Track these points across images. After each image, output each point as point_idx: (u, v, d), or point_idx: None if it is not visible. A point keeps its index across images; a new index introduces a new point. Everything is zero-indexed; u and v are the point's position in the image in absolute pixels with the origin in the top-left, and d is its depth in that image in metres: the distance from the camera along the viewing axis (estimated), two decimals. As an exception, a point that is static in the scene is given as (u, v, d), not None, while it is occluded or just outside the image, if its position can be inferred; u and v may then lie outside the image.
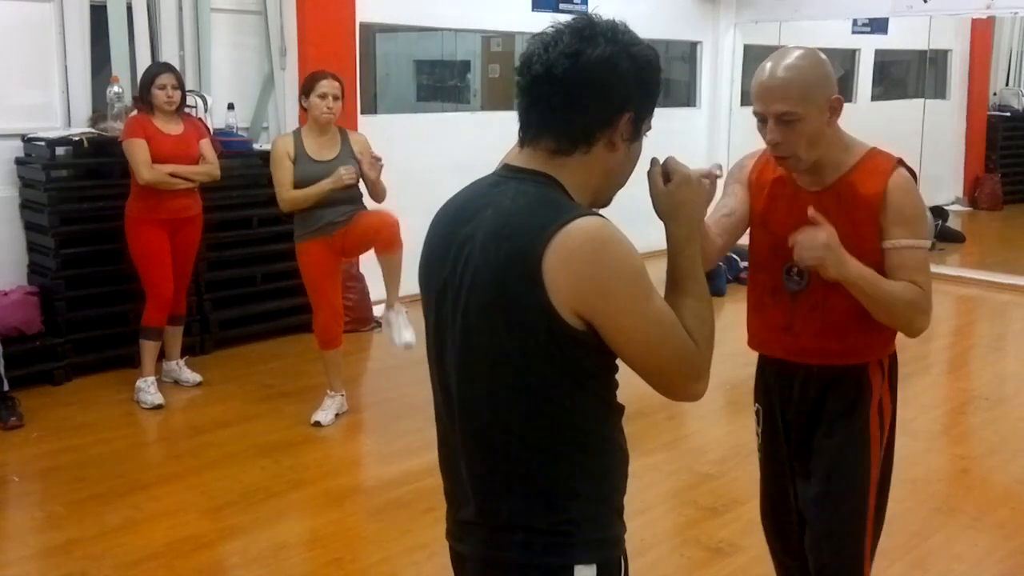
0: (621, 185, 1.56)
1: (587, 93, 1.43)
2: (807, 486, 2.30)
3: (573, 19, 1.47)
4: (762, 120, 2.09)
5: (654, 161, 1.59)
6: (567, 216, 1.39)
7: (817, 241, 2.01)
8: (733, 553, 3.24)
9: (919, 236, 2.10)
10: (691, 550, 3.37)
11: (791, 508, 2.37)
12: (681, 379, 1.50)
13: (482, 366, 1.47)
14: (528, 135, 1.49)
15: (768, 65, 2.08)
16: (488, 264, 1.42)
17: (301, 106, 4.40)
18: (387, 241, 4.32)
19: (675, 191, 1.57)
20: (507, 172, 1.52)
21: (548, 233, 1.37)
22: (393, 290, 4.42)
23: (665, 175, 1.58)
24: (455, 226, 1.50)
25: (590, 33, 1.43)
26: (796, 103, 2.03)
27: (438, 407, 1.58)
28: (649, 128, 1.53)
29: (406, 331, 4.38)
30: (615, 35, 1.45)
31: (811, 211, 2.05)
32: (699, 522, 3.57)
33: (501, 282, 1.41)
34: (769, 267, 2.27)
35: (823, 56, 2.11)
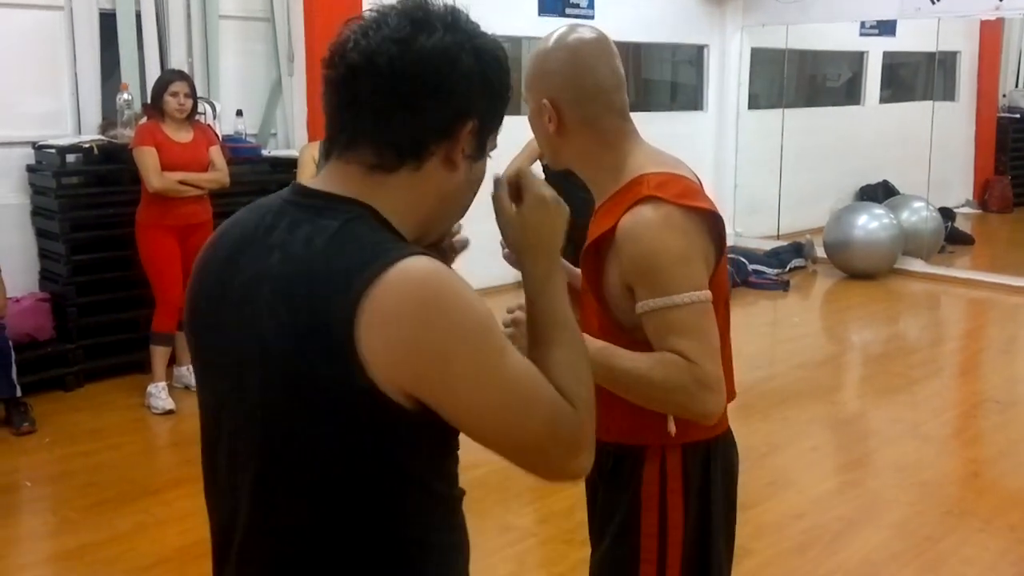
0: (458, 216, 1.24)
1: (421, 91, 1.10)
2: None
3: (400, 1, 1.15)
4: None
5: (498, 181, 1.25)
6: (383, 260, 1.04)
7: (513, 317, 1.60)
8: (743, 557, 3.23)
9: (668, 291, 1.53)
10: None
11: None
12: (557, 454, 1.13)
13: (278, 468, 1.12)
14: (338, 144, 1.15)
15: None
16: (280, 335, 1.07)
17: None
18: None
19: (528, 215, 1.22)
20: (298, 197, 1.16)
21: (357, 289, 1.03)
22: None
23: (515, 196, 1.24)
24: (231, 271, 1.14)
25: (424, 16, 1.12)
26: (525, 88, 1.71)
27: (219, 514, 1.22)
28: (495, 146, 1.21)
29: None
30: (455, 22, 1.13)
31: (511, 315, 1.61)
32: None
33: (299, 358, 1.06)
34: None
35: (562, 49, 1.71)
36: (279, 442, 1.11)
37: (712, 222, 1.62)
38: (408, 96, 1.11)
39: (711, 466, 1.69)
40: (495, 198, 1.24)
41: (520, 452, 1.13)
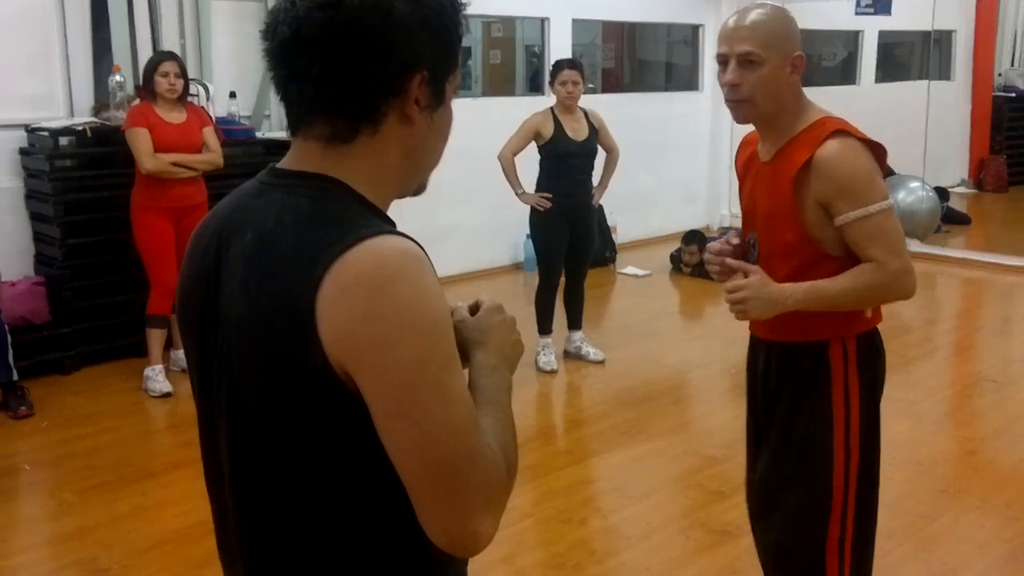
0: (432, 165, 1.20)
1: (356, 53, 1.06)
2: (762, 462, 2.27)
3: None
4: (723, 63, 2.10)
5: (455, 309, 1.24)
6: (351, 238, 1.02)
7: (737, 296, 2.05)
8: (739, 536, 3.25)
9: (866, 202, 2.00)
10: (697, 533, 3.39)
11: (755, 483, 2.37)
12: (467, 499, 1.03)
13: (251, 449, 1.11)
14: (295, 122, 1.12)
15: (739, 13, 2.11)
16: (252, 311, 1.06)
17: None
18: None
19: (484, 317, 1.22)
20: (271, 178, 1.15)
21: (321, 265, 1.01)
22: None
23: (472, 308, 1.26)
24: (215, 252, 1.14)
25: None
26: (760, 46, 2.03)
27: (213, 497, 1.23)
28: (457, 87, 1.18)
29: None
30: None
31: (730, 260, 2.08)
32: (705, 505, 3.59)
33: (267, 334, 1.04)
34: (743, 239, 2.29)
35: (791, 15, 2.13)
36: (254, 420, 1.10)
37: (879, 152, 2.07)
38: (345, 62, 1.06)
39: (873, 350, 2.18)
40: (452, 311, 1.21)
41: (428, 480, 1.03)
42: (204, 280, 1.15)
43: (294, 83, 1.09)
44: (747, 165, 2.29)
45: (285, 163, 1.15)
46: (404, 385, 1.01)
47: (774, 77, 2.05)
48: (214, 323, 1.13)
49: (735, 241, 2.24)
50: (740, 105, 2.10)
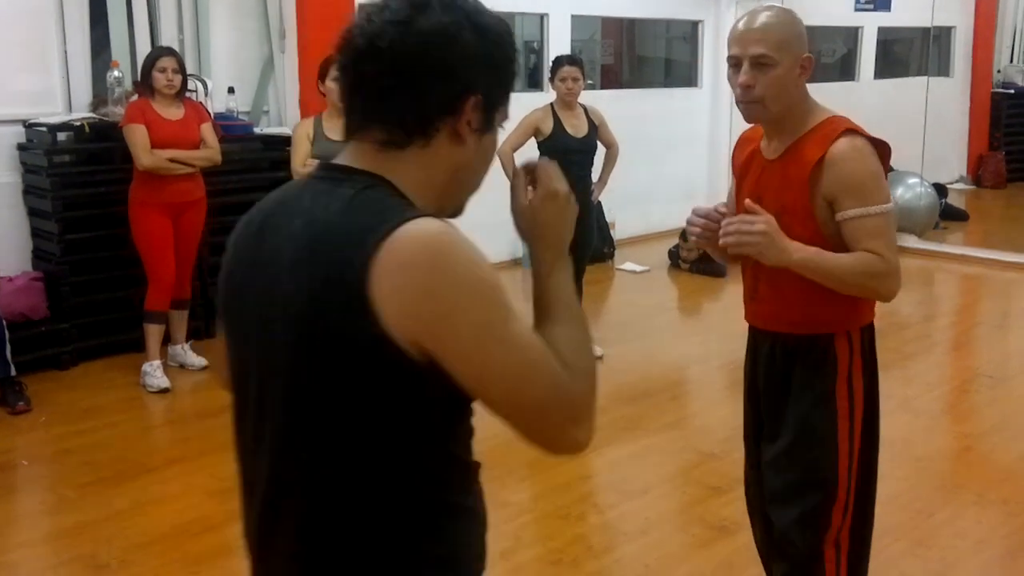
0: (474, 188, 1.29)
1: (421, 70, 1.16)
2: (768, 453, 2.29)
3: None
4: (736, 65, 2.13)
5: (516, 172, 1.32)
6: (395, 220, 1.11)
7: (752, 227, 2.02)
8: (736, 531, 3.26)
9: (870, 202, 2.06)
10: (695, 528, 3.40)
11: (759, 480, 2.37)
12: (557, 422, 1.18)
13: (300, 421, 1.19)
14: (352, 125, 1.22)
15: (749, 15, 2.15)
16: (300, 291, 1.14)
17: (319, 91, 4.40)
18: None
19: (540, 208, 1.29)
20: (322, 172, 1.24)
21: (371, 246, 1.09)
22: None
23: (529, 172, 1.32)
24: (259, 240, 1.23)
25: None
26: (773, 48, 2.07)
27: (245, 470, 1.31)
28: (506, 117, 1.28)
29: None
30: (454, 2, 1.18)
31: (747, 201, 2.08)
32: (703, 501, 3.59)
33: (318, 313, 1.12)
34: None
35: (799, 18, 2.17)
36: (301, 394, 1.17)
37: (884, 150, 2.13)
38: (410, 76, 1.16)
39: (873, 342, 2.25)
40: (513, 186, 1.31)
41: (521, 416, 1.17)
42: (249, 267, 1.24)
43: (360, 90, 1.19)
44: (748, 162, 2.30)
45: (338, 160, 1.24)
46: (477, 347, 1.12)
47: (785, 78, 2.09)
48: (253, 299, 1.22)
49: (723, 210, 2.26)
50: (752, 106, 2.13)
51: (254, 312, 1.22)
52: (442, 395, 1.16)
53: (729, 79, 2.17)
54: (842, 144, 2.08)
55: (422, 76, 1.16)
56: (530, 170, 1.32)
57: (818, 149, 2.10)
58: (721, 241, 2.09)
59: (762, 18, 2.12)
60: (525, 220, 1.30)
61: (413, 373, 1.12)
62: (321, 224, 1.15)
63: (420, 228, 1.11)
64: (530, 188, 1.32)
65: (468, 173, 1.25)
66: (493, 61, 1.21)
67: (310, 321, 1.14)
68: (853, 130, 2.12)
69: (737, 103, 2.17)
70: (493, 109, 1.23)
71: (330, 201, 1.17)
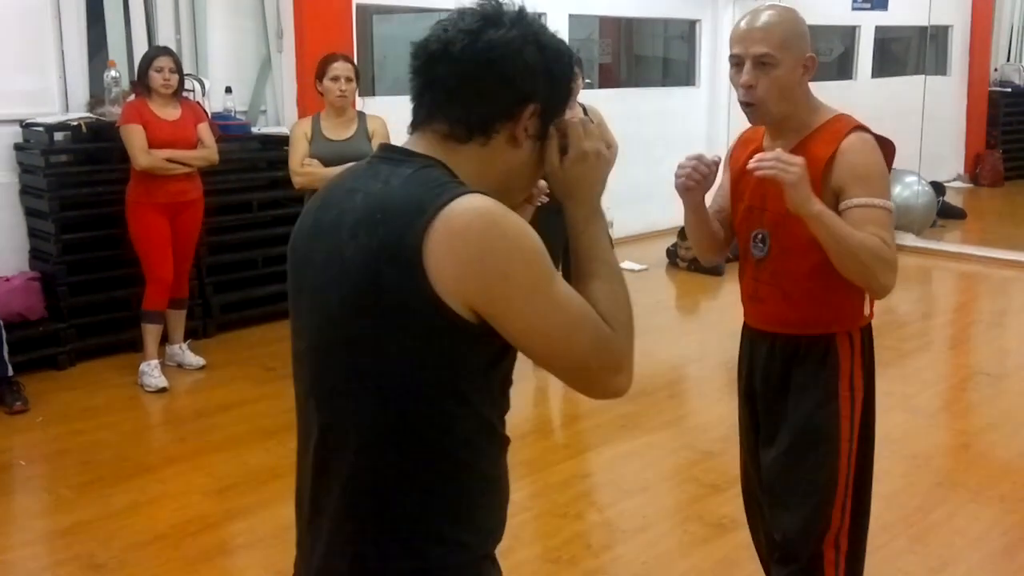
0: (525, 189, 1.43)
1: (487, 76, 1.29)
2: (769, 455, 2.28)
3: (479, 1, 1.35)
4: (738, 64, 2.11)
5: (550, 131, 1.39)
6: (450, 194, 1.22)
7: (793, 160, 1.98)
8: (734, 529, 3.26)
9: (876, 195, 2.06)
10: (693, 526, 3.40)
11: (757, 479, 2.37)
12: (599, 372, 1.31)
13: (347, 377, 1.28)
14: (419, 118, 1.34)
15: (751, 14, 2.13)
16: (359, 253, 1.24)
17: (317, 90, 4.39)
18: None
19: (570, 168, 1.38)
20: (383, 153, 1.36)
21: (428, 214, 1.20)
22: None
23: (563, 147, 1.39)
24: (321, 214, 1.34)
25: (495, 14, 1.31)
26: (776, 47, 2.06)
27: (300, 426, 1.40)
28: (558, 137, 1.39)
29: None
30: (522, 19, 1.32)
31: (778, 150, 2.05)
32: (701, 499, 3.59)
33: (375, 273, 1.22)
34: (742, 235, 2.30)
35: (801, 17, 2.16)
36: (354, 352, 1.27)
37: (890, 149, 2.17)
38: (475, 80, 1.29)
39: (872, 342, 2.26)
40: (545, 146, 1.38)
41: (566, 368, 1.30)
42: (310, 239, 1.34)
43: (431, 90, 1.32)
44: (747, 159, 2.26)
45: (404, 146, 1.35)
46: (527, 306, 1.23)
47: (788, 78, 2.09)
48: (315, 266, 1.32)
49: (718, 159, 2.26)
50: (755, 109, 2.13)
51: (314, 279, 1.32)
52: (486, 359, 1.27)
53: (731, 79, 2.16)
54: (853, 139, 2.09)
55: (486, 82, 1.29)
56: (562, 129, 1.38)
57: (828, 147, 2.10)
58: (755, 167, 2.02)
59: (764, 17, 2.10)
60: (556, 181, 1.39)
61: (462, 335, 1.22)
62: (381, 195, 1.26)
63: (473, 200, 1.22)
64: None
65: (519, 174, 1.37)
66: (552, 75, 1.33)
67: (368, 283, 1.23)
68: (861, 128, 2.13)
69: (740, 104, 2.15)
70: (549, 118, 1.35)
71: (390, 176, 1.28)
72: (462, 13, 1.32)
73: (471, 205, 1.22)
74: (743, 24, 2.12)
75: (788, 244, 2.18)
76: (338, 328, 1.28)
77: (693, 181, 2.21)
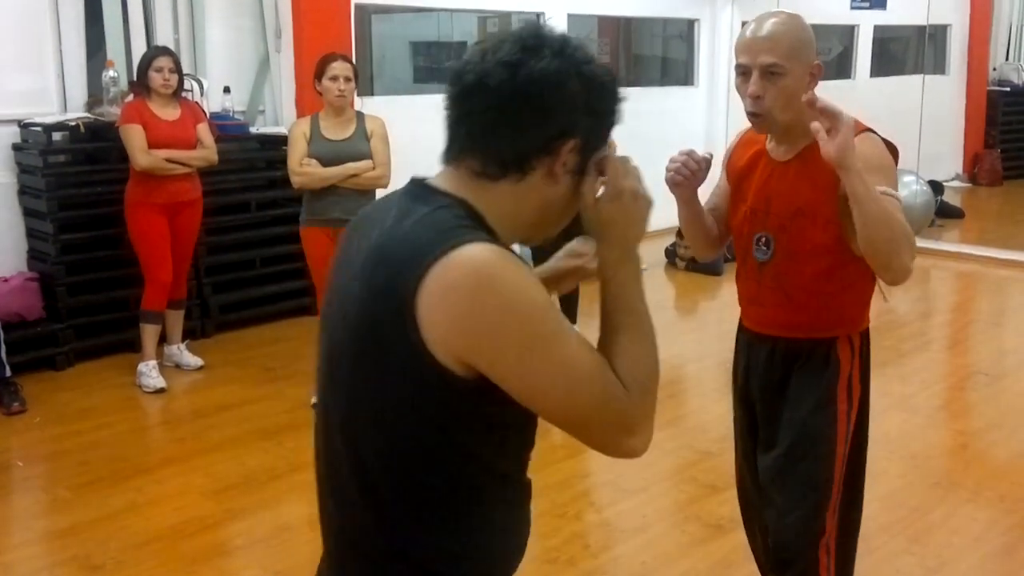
0: (560, 224, 1.34)
1: (525, 110, 1.21)
2: (767, 459, 2.27)
3: (522, 27, 1.28)
4: (744, 74, 2.09)
5: (589, 165, 1.31)
6: (450, 243, 1.16)
7: (841, 131, 1.91)
8: (733, 529, 3.25)
9: (883, 183, 2.03)
10: (691, 526, 3.40)
11: (755, 483, 2.36)
12: (609, 433, 1.25)
13: (350, 410, 1.28)
14: (451, 152, 1.28)
15: (756, 22, 2.10)
16: (364, 294, 1.22)
17: (315, 90, 4.39)
18: None
19: (604, 207, 1.30)
20: (416, 189, 1.30)
21: (425, 263, 1.16)
22: None
23: (600, 171, 1.33)
24: (349, 243, 1.34)
25: (535, 43, 1.23)
26: (783, 57, 2.03)
27: (316, 447, 1.40)
28: (598, 174, 1.32)
29: None
30: (564, 49, 1.24)
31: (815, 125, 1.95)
32: (699, 499, 3.59)
33: (373, 316, 1.21)
34: (743, 237, 2.28)
35: (807, 23, 2.13)
36: (359, 385, 1.25)
37: (895, 153, 2.15)
38: (513, 115, 1.22)
39: (869, 346, 2.26)
40: (583, 185, 1.31)
41: (571, 426, 1.24)
42: (339, 265, 1.34)
43: (464, 122, 1.26)
44: (752, 164, 2.26)
45: (429, 180, 1.30)
46: (521, 364, 1.17)
47: (795, 88, 2.05)
48: (337, 297, 1.31)
49: (708, 156, 2.24)
50: (761, 120, 2.11)
51: (336, 309, 1.31)
52: (490, 413, 1.22)
53: (737, 88, 2.13)
54: (863, 139, 2.07)
55: (524, 116, 1.22)
56: (601, 165, 1.31)
57: None
58: (818, 103, 1.95)
59: (770, 26, 2.07)
60: (589, 219, 1.32)
61: (454, 388, 1.18)
62: (390, 237, 1.23)
63: (470, 253, 1.16)
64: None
65: (556, 211, 1.30)
66: (594, 109, 1.26)
67: (365, 324, 1.22)
68: (869, 130, 2.12)
69: (747, 114, 2.13)
70: (589, 153, 1.28)
71: (404, 216, 1.24)
72: (502, 40, 1.24)
73: (466, 259, 1.15)
74: (748, 33, 2.09)
75: (793, 248, 2.16)
76: (344, 360, 1.27)
77: (681, 176, 2.20)
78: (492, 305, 1.15)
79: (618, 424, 1.24)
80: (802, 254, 2.15)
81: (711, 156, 2.25)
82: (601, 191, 1.31)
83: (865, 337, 2.26)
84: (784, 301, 2.19)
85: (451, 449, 1.23)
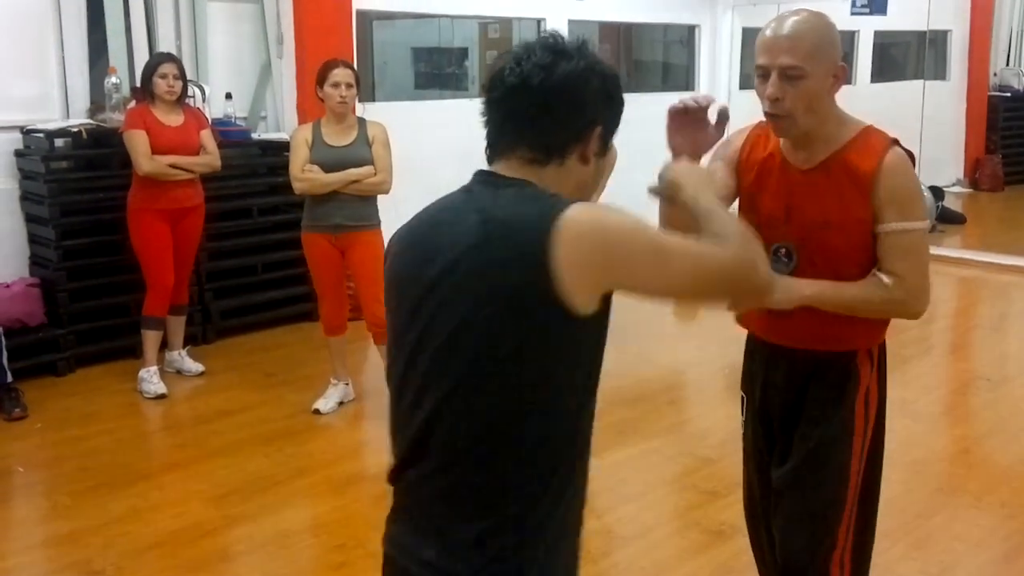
0: (591, 198, 1.56)
1: (561, 104, 1.45)
2: (781, 471, 2.23)
3: (541, 36, 1.50)
4: (763, 75, 1.99)
5: (651, 192, 1.70)
6: (564, 204, 1.38)
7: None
8: (733, 535, 3.25)
9: (912, 218, 2.02)
10: (692, 533, 3.39)
11: (766, 497, 2.32)
12: (742, 277, 1.44)
13: (471, 376, 1.41)
14: (500, 146, 1.49)
15: (778, 20, 2.01)
16: (486, 265, 1.39)
17: (317, 96, 4.39)
18: (380, 336, 4.41)
19: (675, 168, 1.66)
20: (481, 178, 1.50)
21: (549, 220, 1.35)
22: None
23: (668, 194, 1.64)
24: (433, 238, 1.47)
25: (561, 48, 1.46)
26: (804, 58, 1.95)
27: (400, 418, 1.54)
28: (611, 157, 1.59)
29: None
30: (583, 51, 1.47)
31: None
32: (700, 505, 3.59)
33: (503, 280, 1.37)
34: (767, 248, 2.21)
35: (833, 22, 2.04)
36: (481, 350, 1.39)
37: (912, 161, 2.09)
38: (554, 108, 1.45)
39: (886, 359, 2.27)
40: (661, 207, 1.77)
41: (718, 290, 1.47)
42: (423, 260, 1.45)
43: (512, 119, 1.47)
44: (767, 167, 2.17)
45: (497, 170, 1.49)
46: (658, 264, 1.39)
47: (817, 90, 1.98)
48: (435, 293, 1.43)
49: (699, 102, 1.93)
50: (782, 121, 2.02)
51: (425, 297, 1.44)
52: (590, 352, 1.44)
53: (756, 89, 2.04)
54: (893, 157, 2.02)
55: (563, 109, 1.45)
56: (655, 192, 1.71)
57: (869, 160, 2.02)
58: None
59: (791, 25, 1.98)
60: (666, 185, 1.64)
61: (575, 329, 1.38)
62: (497, 213, 1.41)
63: (579, 208, 1.38)
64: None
65: (586, 187, 1.54)
66: (611, 99, 1.50)
67: (496, 292, 1.37)
68: (895, 142, 2.06)
69: (765, 115, 2.05)
70: (609, 137, 1.53)
71: (497, 198, 1.44)
72: (531, 48, 1.46)
73: (584, 210, 1.38)
74: (769, 32, 2.00)
75: (820, 258, 2.08)
76: (466, 331, 1.40)
77: (684, 107, 1.93)
78: (615, 232, 1.38)
79: (746, 263, 1.44)
80: (827, 263, 2.08)
81: (726, 109, 1.93)
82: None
83: (883, 349, 2.23)
84: (809, 315, 2.09)
85: (555, 398, 1.42)
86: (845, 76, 2.05)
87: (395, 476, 1.56)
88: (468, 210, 1.44)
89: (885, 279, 2.04)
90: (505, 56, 1.48)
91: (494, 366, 1.39)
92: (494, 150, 1.50)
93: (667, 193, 1.64)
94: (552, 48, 1.46)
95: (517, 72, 1.44)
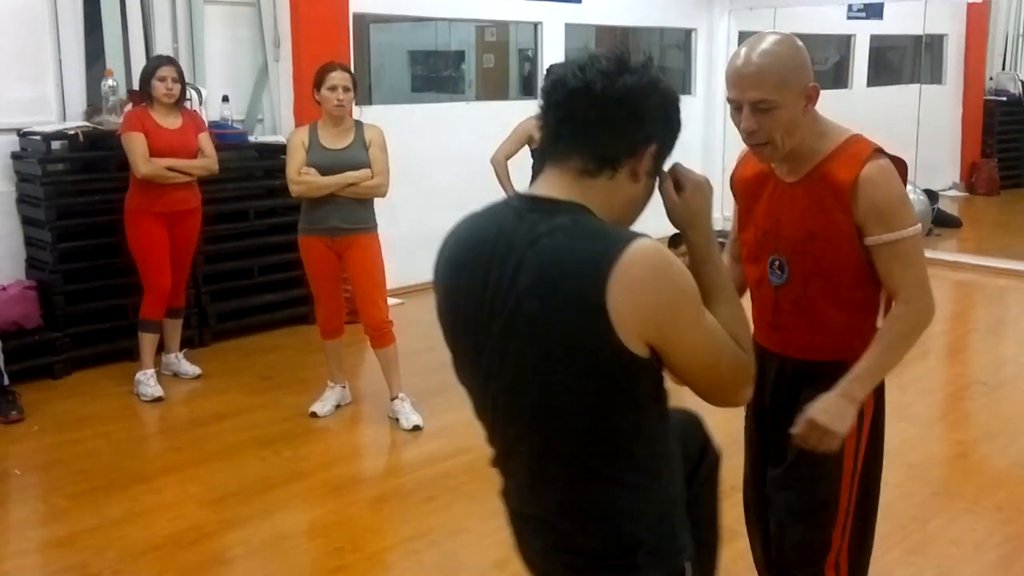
0: (634, 220, 1.57)
1: (620, 114, 1.45)
2: (775, 471, 2.25)
3: (607, 50, 1.51)
4: (736, 107, 2.01)
5: (662, 174, 1.58)
6: (620, 244, 1.38)
7: (811, 435, 2.02)
8: (734, 538, 3.22)
9: (898, 227, 2.01)
10: (690, 536, 3.39)
11: (763, 497, 2.34)
12: (736, 387, 1.54)
13: (545, 413, 1.48)
14: (556, 151, 1.48)
15: (743, 51, 1.99)
16: (545, 310, 1.41)
17: (314, 99, 4.39)
18: (377, 339, 4.41)
19: (690, 200, 1.58)
20: (534, 204, 1.49)
21: (605, 266, 1.36)
22: (393, 382, 4.44)
23: (676, 184, 1.59)
24: (486, 267, 1.48)
25: (626, 60, 1.47)
26: (772, 90, 1.94)
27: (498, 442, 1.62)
28: (658, 179, 1.58)
29: (413, 416, 4.29)
30: (648, 67, 1.48)
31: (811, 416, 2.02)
32: (698, 508, 3.58)
33: (563, 326, 1.40)
34: (756, 260, 2.23)
35: (800, 43, 2.03)
36: (552, 392, 1.44)
37: (904, 170, 2.10)
38: (612, 117, 1.45)
39: None
40: (661, 189, 1.58)
41: (713, 388, 1.52)
42: (480, 289, 1.48)
43: (569, 123, 1.47)
44: (758, 182, 2.20)
45: (539, 191, 1.50)
46: (692, 333, 1.44)
47: (791, 116, 1.98)
48: (491, 322, 1.47)
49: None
50: (762, 149, 2.04)
51: (488, 330, 1.48)
52: (655, 376, 1.48)
53: (732, 118, 2.06)
54: (872, 168, 2.01)
55: (620, 119, 1.45)
56: (672, 175, 1.59)
57: (849, 170, 2.02)
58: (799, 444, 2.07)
59: (757, 57, 1.96)
60: (679, 214, 1.58)
61: (638, 364, 1.41)
62: (555, 252, 1.42)
63: (643, 248, 1.39)
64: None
65: (634, 207, 1.54)
66: (670, 119, 1.51)
67: (556, 334, 1.41)
68: (878, 151, 2.06)
69: (747, 144, 2.07)
70: (663, 157, 1.53)
71: (554, 231, 1.43)
72: (595, 56, 1.47)
73: (643, 253, 1.38)
74: (737, 64, 1.98)
75: (809, 269, 2.10)
76: (531, 373, 1.45)
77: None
78: (669, 291, 1.40)
79: (743, 377, 1.53)
80: (818, 275, 2.10)
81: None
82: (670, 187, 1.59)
83: None
84: (805, 324, 2.14)
85: (640, 415, 1.48)
86: (817, 94, 2.02)
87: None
88: (524, 242, 1.44)
89: (894, 308, 2.07)
90: (564, 64, 1.50)
91: (566, 413, 1.46)
92: (550, 154, 1.50)
93: (672, 191, 1.61)
94: (618, 59, 1.46)
95: (580, 78, 1.44)
